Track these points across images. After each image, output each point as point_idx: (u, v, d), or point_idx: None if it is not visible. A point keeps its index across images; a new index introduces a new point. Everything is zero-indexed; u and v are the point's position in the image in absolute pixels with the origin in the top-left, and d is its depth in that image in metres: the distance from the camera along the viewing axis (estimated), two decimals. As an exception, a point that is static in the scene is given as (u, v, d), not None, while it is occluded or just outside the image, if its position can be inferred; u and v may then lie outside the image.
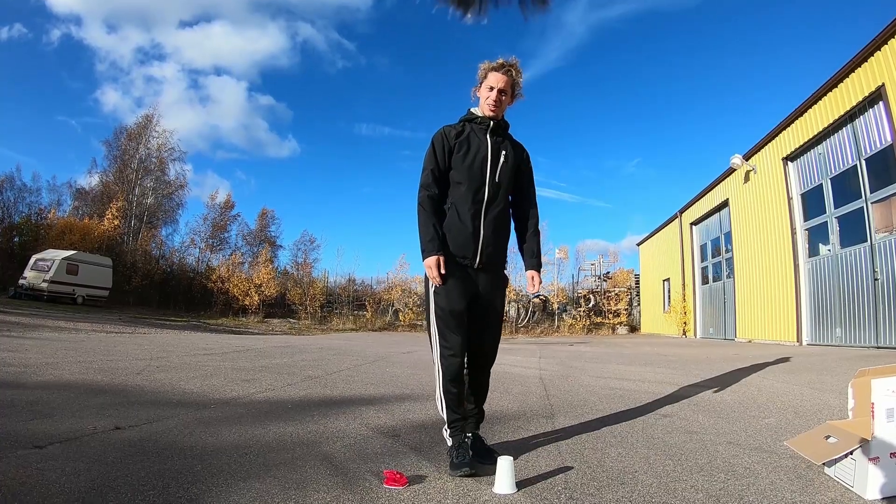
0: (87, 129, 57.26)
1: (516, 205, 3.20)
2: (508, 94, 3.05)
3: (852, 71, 11.25)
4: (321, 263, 54.06)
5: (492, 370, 3.02)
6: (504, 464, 2.36)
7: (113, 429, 3.07)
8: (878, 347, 10.49)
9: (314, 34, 63.98)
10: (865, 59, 10.80)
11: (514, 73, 3.03)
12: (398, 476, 2.36)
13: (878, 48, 10.37)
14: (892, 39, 10.00)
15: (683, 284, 22.83)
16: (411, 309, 33.16)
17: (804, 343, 13.40)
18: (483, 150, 2.99)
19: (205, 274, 38.67)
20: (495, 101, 3.00)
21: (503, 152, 3.03)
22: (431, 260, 2.79)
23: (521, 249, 3.23)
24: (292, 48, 63.08)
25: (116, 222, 36.50)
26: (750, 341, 15.91)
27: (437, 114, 69.12)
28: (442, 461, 2.76)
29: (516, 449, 3.04)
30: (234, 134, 64.78)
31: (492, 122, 3.04)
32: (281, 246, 46.77)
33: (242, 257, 41.72)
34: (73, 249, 29.36)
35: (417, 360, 8.62)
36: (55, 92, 53.37)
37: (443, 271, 2.79)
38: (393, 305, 34.31)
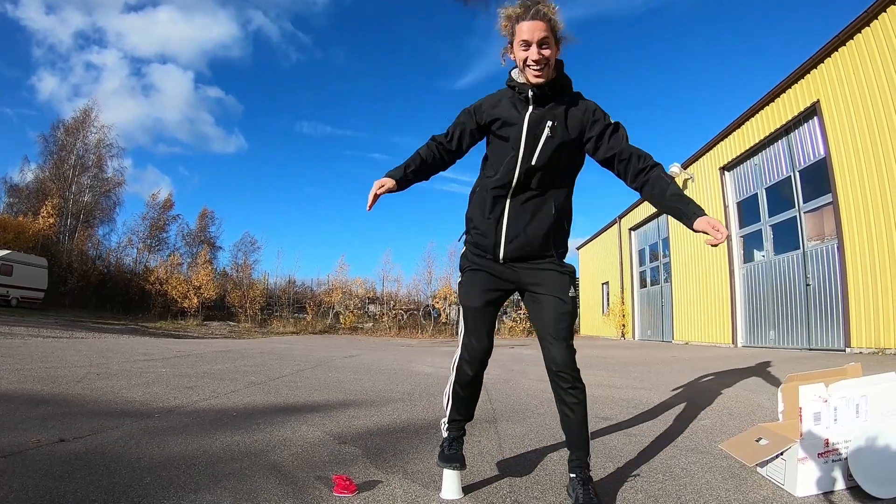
0: (24, 119, 54.62)
1: (616, 166, 2.37)
2: (552, 43, 2.25)
3: (789, 87, 11.83)
4: (261, 265, 53.28)
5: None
6: (450, 470, 2.41)
7: (57, 441, 2.98)
8: (810, 349, 11.04)
9: (267, 24, 62.48)
10: (802, 76, 11.39)
11: (548, 11, 2.23)
12: (348, 483, 2.36)
13: (815, 66, 10.96)
14: (828, 58, 10.56)
15: (622, 288, 23.48)
16: (352, 311, 33.09)
17: (739, 345, 13.95)
18: (518, 126, 2.34)
19: (143, 275, 37.63)
20: (537, 60, 2.23)
21: (548, 125, 2.31)
22: (378, 181, 2.43)
23: (657, 203, 2.32)
24: (244, 38, 61.59)
25: (52, 220, 35.13)
26: (687, 343, 16.45)
27: (383, 114, 68.57)
28: (390, 467, 2.79)
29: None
30: (177, 127, 62.52)
31: (531, 92, 2.33)
32: (220, 247, 45.97)
33: (181, 258, 40.87)
34: (7, 248, 28.10)
35: (360, 365, 8.58)
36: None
37: (378, 192, 2.41)
38: (333, 308, 34.13)
